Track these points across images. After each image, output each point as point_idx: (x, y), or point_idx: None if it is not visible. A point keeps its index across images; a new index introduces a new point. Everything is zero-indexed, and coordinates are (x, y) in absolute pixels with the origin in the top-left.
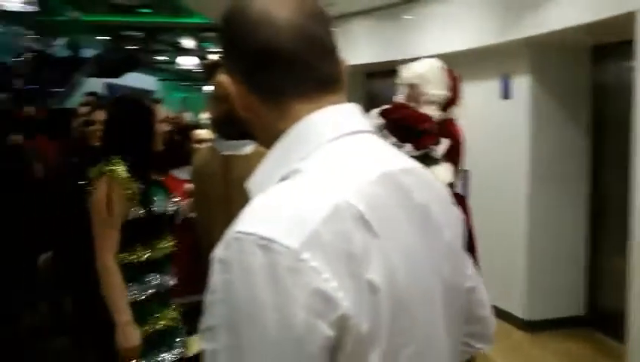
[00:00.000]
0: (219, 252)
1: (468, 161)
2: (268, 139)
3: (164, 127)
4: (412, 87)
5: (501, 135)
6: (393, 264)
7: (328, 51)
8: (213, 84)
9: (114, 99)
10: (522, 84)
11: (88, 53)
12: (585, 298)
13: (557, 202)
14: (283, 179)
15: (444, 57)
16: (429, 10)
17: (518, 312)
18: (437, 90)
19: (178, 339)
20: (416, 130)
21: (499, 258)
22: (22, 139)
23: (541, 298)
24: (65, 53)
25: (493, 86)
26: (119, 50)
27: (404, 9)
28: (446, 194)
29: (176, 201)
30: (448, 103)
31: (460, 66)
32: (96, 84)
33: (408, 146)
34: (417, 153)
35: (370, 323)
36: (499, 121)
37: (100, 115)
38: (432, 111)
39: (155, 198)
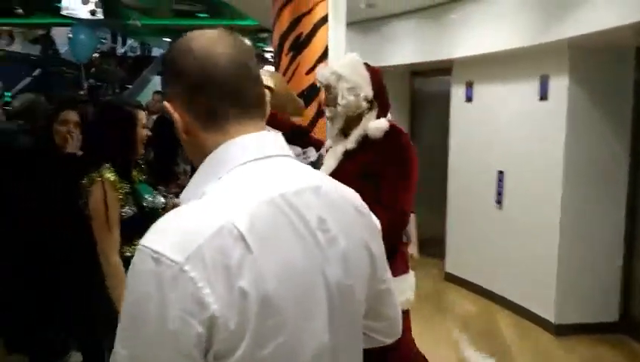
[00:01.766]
0: (135, 260)
1: (504, 161)
2: (201, 159)
3: (145, 133)
4: (327, 88)
5: (538, 136)
6: (264, 274)
7: (254, 77)
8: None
9: (99, 106)
10: (560, 85)
11: (157, 52)
12: (619, 303)
13: (593, 205)
14: (201, 197)
15: (485, 57)
16: (470, 10)
17: (549, 316)
18: (356, 87)
19: None
20: None
21: (531, 259)
22: None
23: (573, 302)
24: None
25: (532, 87)
26: None
27: (445, 9)
28: (349, 207)
29: (165, 195)
30: (380, 106)
31: (499, 67)
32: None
33: None
34: None
35: (238, 321)
36: (536, 122)
37: (72, 116)
38: (375, 121)
39: (145, 196)
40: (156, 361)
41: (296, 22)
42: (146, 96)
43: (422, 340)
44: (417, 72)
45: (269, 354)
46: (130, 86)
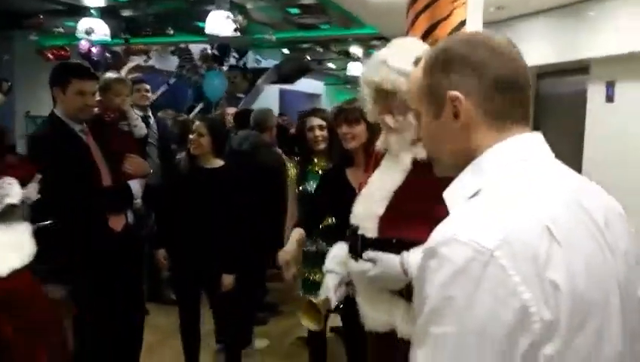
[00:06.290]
0: (440, 248)
1: None
2: (458, 152)
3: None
4: (392, 94)
5: None
6: (574, 268)
7: (530, 84)
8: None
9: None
10: None
11: (270, 63)
12: None
13: None
14: (475, 193)
15: (631, 57)
16: (611, 7)
17: None
18: None
19: None
20: None
21: None
22: None
23: None
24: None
25: None
26: (295, 60)
27: (581, 8)
28: (616, 211)
29: None
30: None
31: None
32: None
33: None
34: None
35: (553, 314)
36: None
37: (200, 128)
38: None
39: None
40: (466, 342)
41: (432, 28)
42: (257, 105)
43: None
44: (544, 73)
45: (573, 352)
46: (244, 95)
